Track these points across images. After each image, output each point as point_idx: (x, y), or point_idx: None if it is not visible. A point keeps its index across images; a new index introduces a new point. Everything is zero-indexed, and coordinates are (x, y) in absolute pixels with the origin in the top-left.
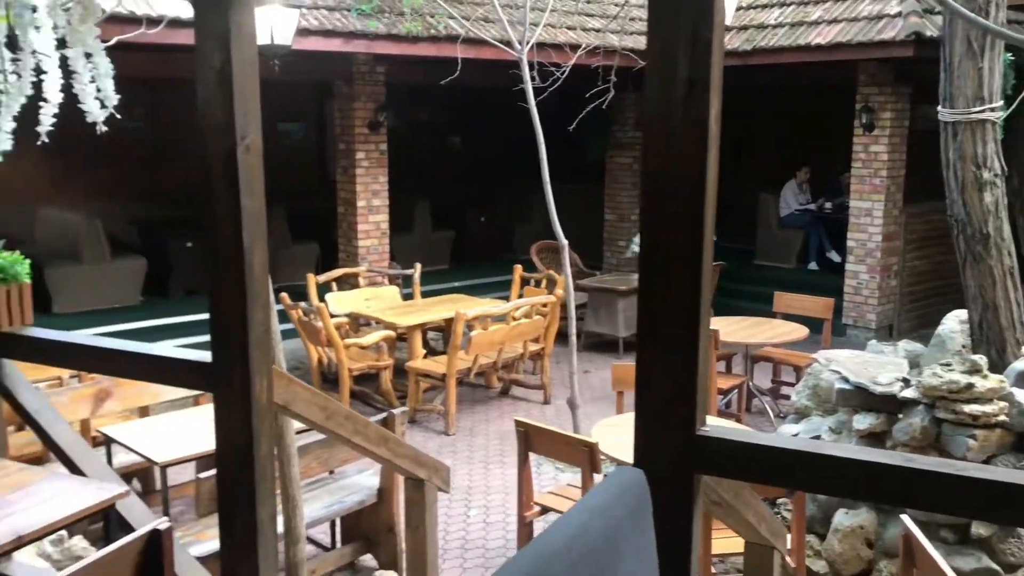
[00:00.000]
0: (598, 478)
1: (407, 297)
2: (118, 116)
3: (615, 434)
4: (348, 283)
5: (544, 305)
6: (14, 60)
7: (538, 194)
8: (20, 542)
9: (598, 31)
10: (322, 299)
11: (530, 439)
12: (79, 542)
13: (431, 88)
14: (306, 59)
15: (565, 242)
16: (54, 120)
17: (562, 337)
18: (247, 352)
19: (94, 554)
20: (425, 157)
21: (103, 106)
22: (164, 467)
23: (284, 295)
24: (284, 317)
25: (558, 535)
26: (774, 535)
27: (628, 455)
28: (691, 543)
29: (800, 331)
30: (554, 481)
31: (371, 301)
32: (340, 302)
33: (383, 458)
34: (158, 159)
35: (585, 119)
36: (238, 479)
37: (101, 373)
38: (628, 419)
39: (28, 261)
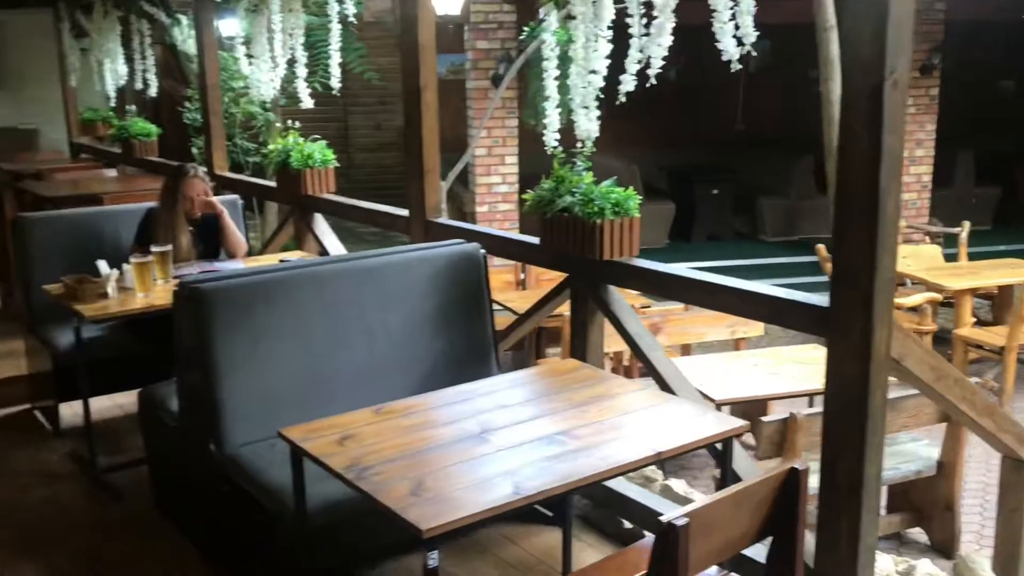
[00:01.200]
0: None
1: (949, 258)
2: (754, 54)
3: None
4: None
5: None
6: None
7: None
8: (659, 457)
9: None
10: None
11: None
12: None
13: (988, 24)
14: None
15: None
16: (663, 64)
17: None
18: (870, 299)
19: (740, 483)
20: (971, 102)
21: (739, 44)
22: (719, 405)
23: (821, 247)
24: (815, 270)
25: None
26: None
27: None
28: None
29: None
30: None
31: (908, 259)
32: None
33: (986, 431)
34: (689, 107)
35: None
36: (846, 429)
37: (707, 307)
38: None
39: (639, 199)
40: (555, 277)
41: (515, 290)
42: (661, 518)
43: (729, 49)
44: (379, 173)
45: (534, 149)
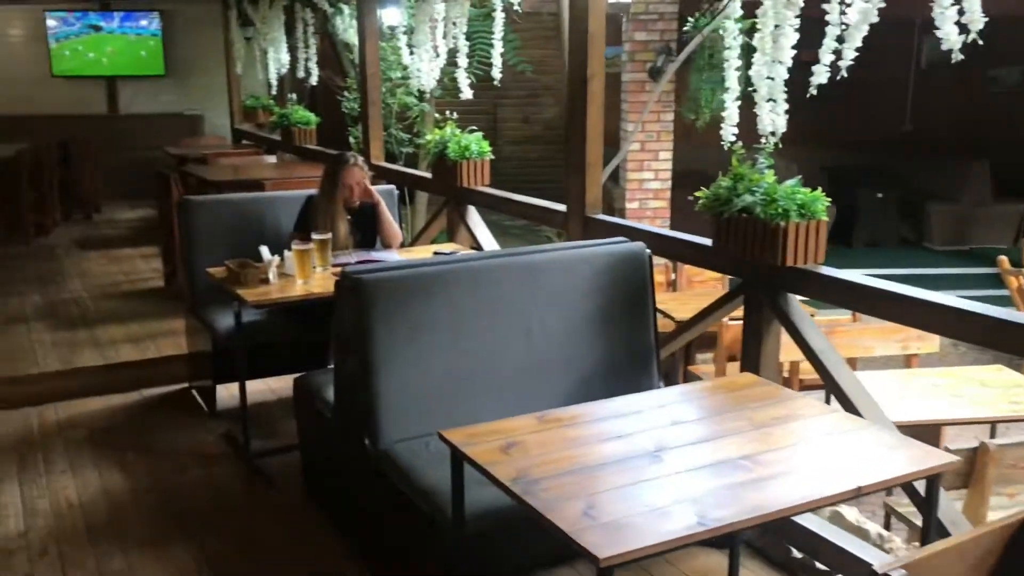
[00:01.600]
0: None
1: None
2: (979, 42)
3: None
4: None
5: None
6: None
7: None
8: (858, 493)
9: None
10: None
11: None
12: None
13: None
14: None
15: None
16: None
17: None
18: None
19: (966, 532)
20: None
21: (961, 32)
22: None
23: (1003, 259)
24: (991, 282)
25: None
26: None
27: None
28: None
29: None
30: None
31: None
32: None
33: None
34: (853, 105)
35: None
36: None
37: (910, 325)
38: None
39: (828, 201)
40: (707, 279)
41: (666, 291)
42: (875, 567)
43: (951, 37)
44: (524, 166)
45: (686, 145)
